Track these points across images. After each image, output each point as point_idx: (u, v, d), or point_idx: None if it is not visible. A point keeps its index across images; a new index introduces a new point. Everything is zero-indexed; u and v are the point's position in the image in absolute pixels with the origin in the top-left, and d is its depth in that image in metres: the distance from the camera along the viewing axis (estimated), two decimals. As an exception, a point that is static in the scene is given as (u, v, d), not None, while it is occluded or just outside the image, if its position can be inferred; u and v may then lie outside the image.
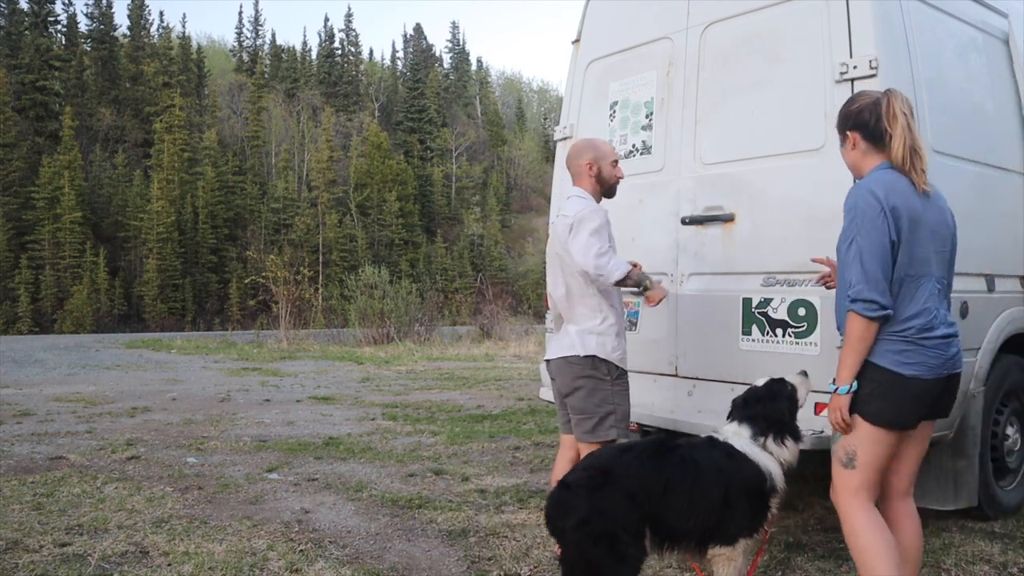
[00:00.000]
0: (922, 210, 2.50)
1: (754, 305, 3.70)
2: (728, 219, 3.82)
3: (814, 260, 3.21)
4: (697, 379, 3.96)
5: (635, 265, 3.37)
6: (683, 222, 4.01)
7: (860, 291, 2.42)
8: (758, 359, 3.64)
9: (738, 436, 2.86)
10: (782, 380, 2.99)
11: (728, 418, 2.98)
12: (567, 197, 3.59)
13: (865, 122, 2.58)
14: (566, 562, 2.63)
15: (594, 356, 3.35)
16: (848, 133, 2.64)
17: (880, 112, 2.54)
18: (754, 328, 3.70)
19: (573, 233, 3.32)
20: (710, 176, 3.94)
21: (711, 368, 3.88)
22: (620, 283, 3.31)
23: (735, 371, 3.71)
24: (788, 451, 2.84)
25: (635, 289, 3.41)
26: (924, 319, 2.47)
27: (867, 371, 2.48)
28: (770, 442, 2.83)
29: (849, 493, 2.56)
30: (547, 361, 3.61)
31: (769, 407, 2.89)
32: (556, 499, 2.68)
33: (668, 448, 2.80)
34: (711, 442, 2.86)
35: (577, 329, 3.40)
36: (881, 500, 2.69)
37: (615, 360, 3.39)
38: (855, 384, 2.48)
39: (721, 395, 3.52)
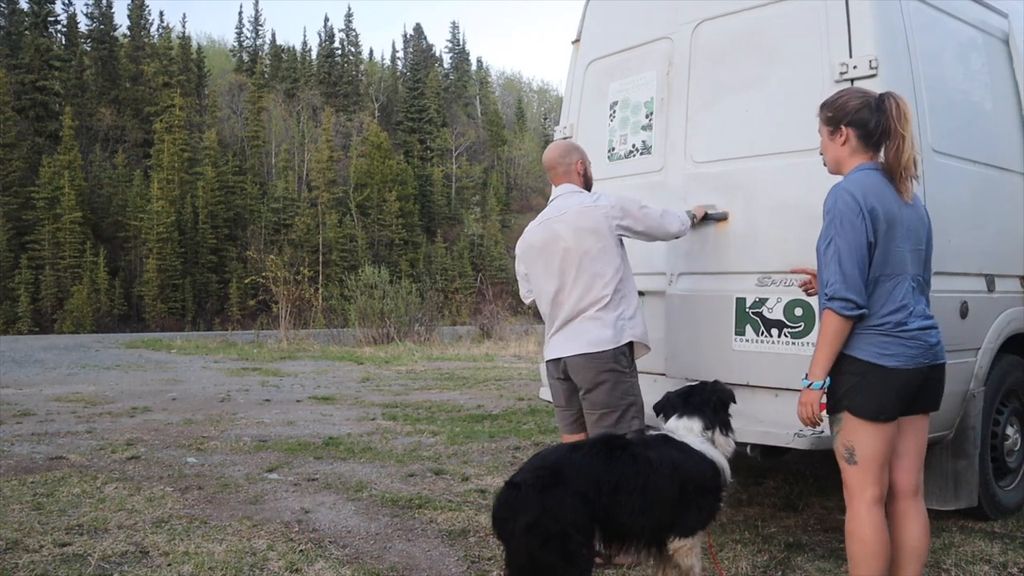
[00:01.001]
0: (898, 210, 2.52)
1: (748, 305, 3.68)
2: (721, 218, 3.81)
3: (793, 271, 3.24)
4: (688, 380, 3.95)
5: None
6: None
7: (837, 290, 2.45)
8: (752, 359, 3.64)
9: (690, 432, 2.93)
10: (715, 380, 3.17)
11: (669, 413, 3.03)
12: (561, 195, 3.65)
13: (864, 121, 2.56)
14: (512, 564, 2.51)
15: (616, 347, 3.40)
16: (843, 127, 2.60)
17: (881, 113, 2.53)
18: (748, 328, 3.68)
19: (633, 219, 3.49)
20: (703, 174, 3.93)
21: (704, 369, 3.86)
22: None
23: (728, 372, 3.69)
24: (731, 443, 3.00)
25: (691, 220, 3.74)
26: (901, 315, 2.50)
27: (849, 365, 2.51)
28: (718, 434, 2.95)
29: (855, 492, 2.57)
30: (555, 360, 3.57)
31: (712, 397, 3.02)
32: (504, 500, 2.57)
33: (619, 446, 2.82)
34: (665, 440, 2.91)
35: (604, 321, 3.42)
36: (888, 499, 2.69)
37: (647, 341, 3.56)
38: (828, 380, 2.52)
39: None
